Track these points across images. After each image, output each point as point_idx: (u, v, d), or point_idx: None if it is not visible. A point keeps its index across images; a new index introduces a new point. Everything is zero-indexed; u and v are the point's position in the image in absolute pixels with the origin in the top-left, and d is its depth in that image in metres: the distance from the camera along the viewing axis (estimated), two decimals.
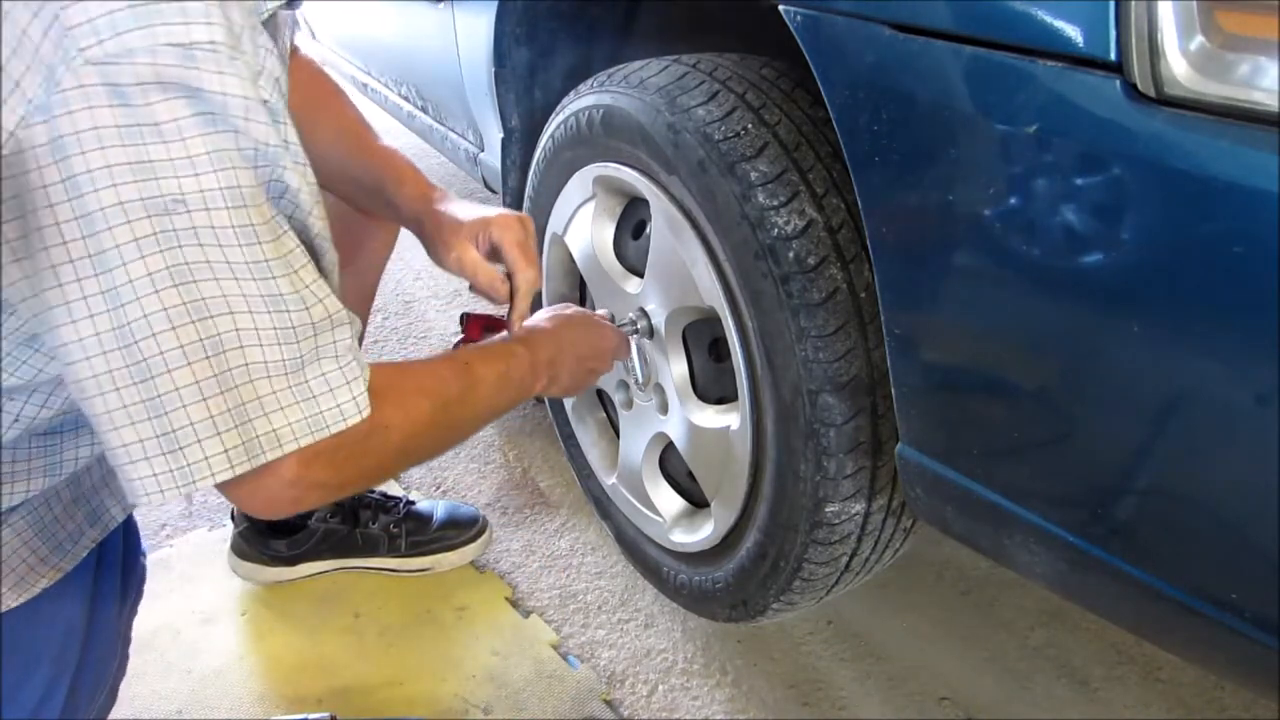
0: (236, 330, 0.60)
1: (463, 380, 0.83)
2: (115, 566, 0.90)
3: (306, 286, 0.63)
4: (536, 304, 1.42)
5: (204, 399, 0.59)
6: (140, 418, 0.59)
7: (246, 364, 0.60)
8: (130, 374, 0.58)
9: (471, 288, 1.02)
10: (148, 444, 0.59)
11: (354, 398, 0.66)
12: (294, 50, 0.94)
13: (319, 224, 0.68)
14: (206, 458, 0.60)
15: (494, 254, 0.98)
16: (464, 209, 0.98)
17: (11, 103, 0.54)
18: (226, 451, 0.60)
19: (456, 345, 1.87)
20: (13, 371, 0.66)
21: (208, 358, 0.59)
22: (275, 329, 0.61)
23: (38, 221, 0.56)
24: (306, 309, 0.63)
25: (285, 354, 0.62)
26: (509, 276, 0.98)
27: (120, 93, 0.55)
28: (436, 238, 0.98)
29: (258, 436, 0.61)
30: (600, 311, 1.15)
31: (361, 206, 1.08)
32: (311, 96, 0.99)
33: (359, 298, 1.27)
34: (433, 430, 0.77)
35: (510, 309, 0.99)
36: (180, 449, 0.59)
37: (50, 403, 0.71)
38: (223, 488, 0.64)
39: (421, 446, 0.78)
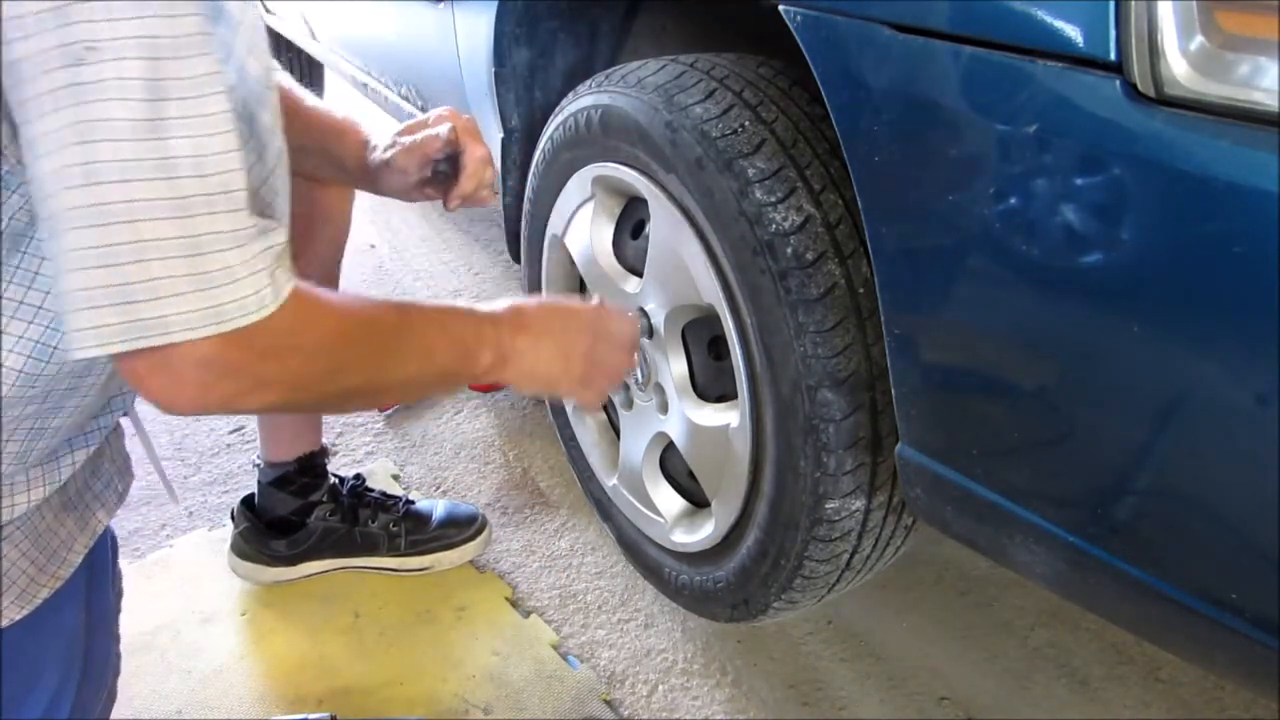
0: (128, 202, 0.55)
1: (398, 314, 0.77)
2: (107, 572, 0.90)
3: (215, 154, 0.57)
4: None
5: (84, 268, 0.55)
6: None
7: (138, 240, 0.55)
8: (47, 228, 0.56)
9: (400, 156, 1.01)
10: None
11: (257, 291, 0.60)
12: None
13: (257, 68, 0.63)
14: (93, 326, 0.56)
15: (451, 166, 1.00)
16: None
17: None
18: (97, 328, 0.56)
19: None
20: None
21: (93, 226, 0.55)
22: (166, 200, 0.56)
23: None
24: (202, 178, 0.57)
25: (182, 229, 0.56)
26: (457, 159, 1.00)
27: None
28: (379, 159, 1.00)
29: (141, 320, 0.57)
30: (631, 313, 1.03)
31: (306, 172, 1.07)
32: None
33: (324, 285, 1.27)
34: (354, 347, 0.71)
35: (453, 187, 0.99)
36: (74, 311, 0.56)
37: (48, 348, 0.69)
38: (126, 369, 0.60)
39: (346, 364, 0.71)
